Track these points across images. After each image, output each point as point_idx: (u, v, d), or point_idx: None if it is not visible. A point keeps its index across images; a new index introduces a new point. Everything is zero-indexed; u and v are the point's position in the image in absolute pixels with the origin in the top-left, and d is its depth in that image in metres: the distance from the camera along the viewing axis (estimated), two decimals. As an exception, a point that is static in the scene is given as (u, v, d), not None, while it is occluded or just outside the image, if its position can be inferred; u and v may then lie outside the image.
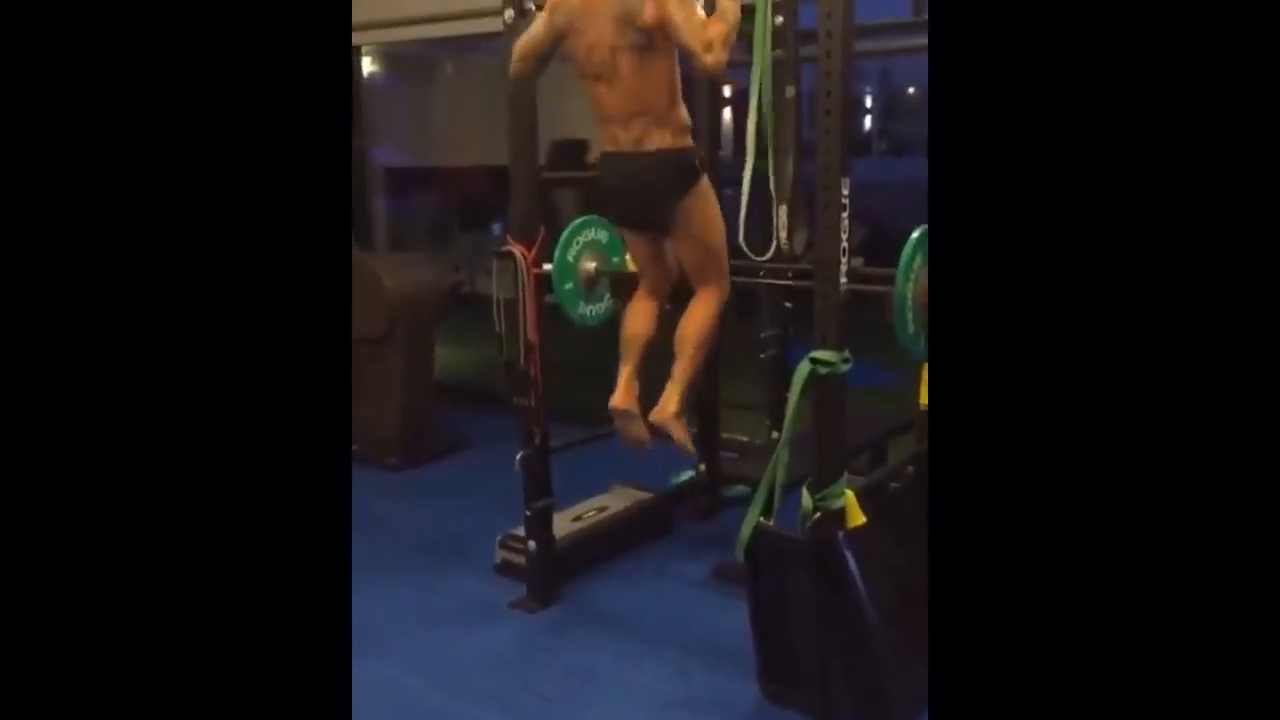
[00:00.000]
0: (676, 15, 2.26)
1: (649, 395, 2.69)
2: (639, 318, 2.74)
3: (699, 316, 2.62)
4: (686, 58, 2.30)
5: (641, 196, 2.50)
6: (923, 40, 3.10)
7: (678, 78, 2.43)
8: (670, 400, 2.62)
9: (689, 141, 2.47)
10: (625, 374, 2.69)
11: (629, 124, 2.43)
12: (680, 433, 2.66)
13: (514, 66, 2.60)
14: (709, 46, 2.21)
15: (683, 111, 2.46)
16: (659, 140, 2.42)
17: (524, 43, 2.55)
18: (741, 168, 2.70)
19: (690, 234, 2.54)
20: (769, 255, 2.82)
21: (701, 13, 2.30)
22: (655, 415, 2.63)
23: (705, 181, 2.51)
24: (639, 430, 2.69)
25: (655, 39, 2.33)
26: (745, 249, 2.75)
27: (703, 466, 3.63)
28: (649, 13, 2.28)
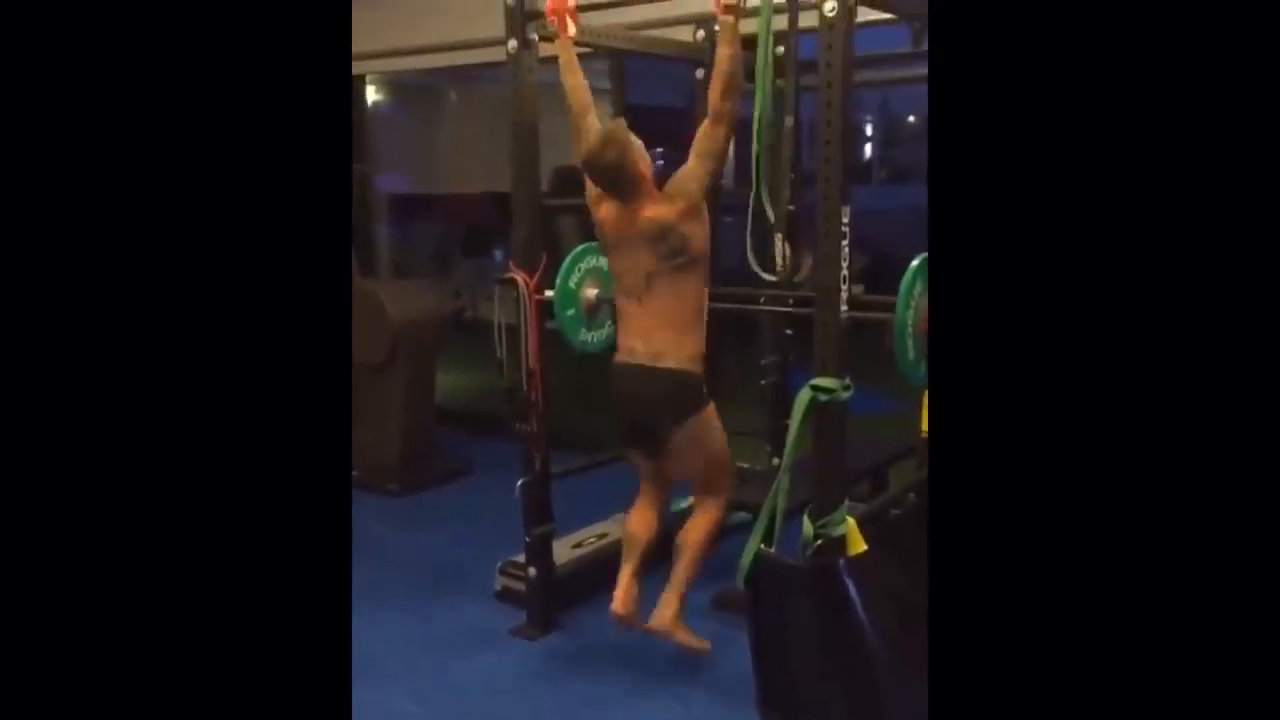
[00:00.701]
0: (698, 174, 2.43)
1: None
2: (639, 522, 2.77)
3: (702, 526, 2.68)
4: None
5: (644, 413, 2.55)
6: (922, 70, 3.13)
7: (705, 299, 2.56)
8: (668, 606, 2.65)
9: (699, 368, 2.54)
10: (625, 577, 2.72)
11: (650, 338, 2.52)
12: (685, 638, 2.69)
13: (575, 122, 2.65)
14: (717, 117, 2.38)
15: (700, 336, 2.54)
16: (674, 360, 2.50)
17: (584, 125, 2.61)
18: (742, 195, 2.72)
19: (692, 453, 2.59)
20: (771, 280, 2.83)
21: (702, 129, 2.43)
22: (655, 623, 2.66)
23: (710, 408, 2.57)
24: (638, 628, 2.71)
25: (698, 259, 2.47)
26: (756, 267, 2.77)
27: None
28: (693, 237, 2.44)
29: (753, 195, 2.65)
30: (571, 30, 2.65)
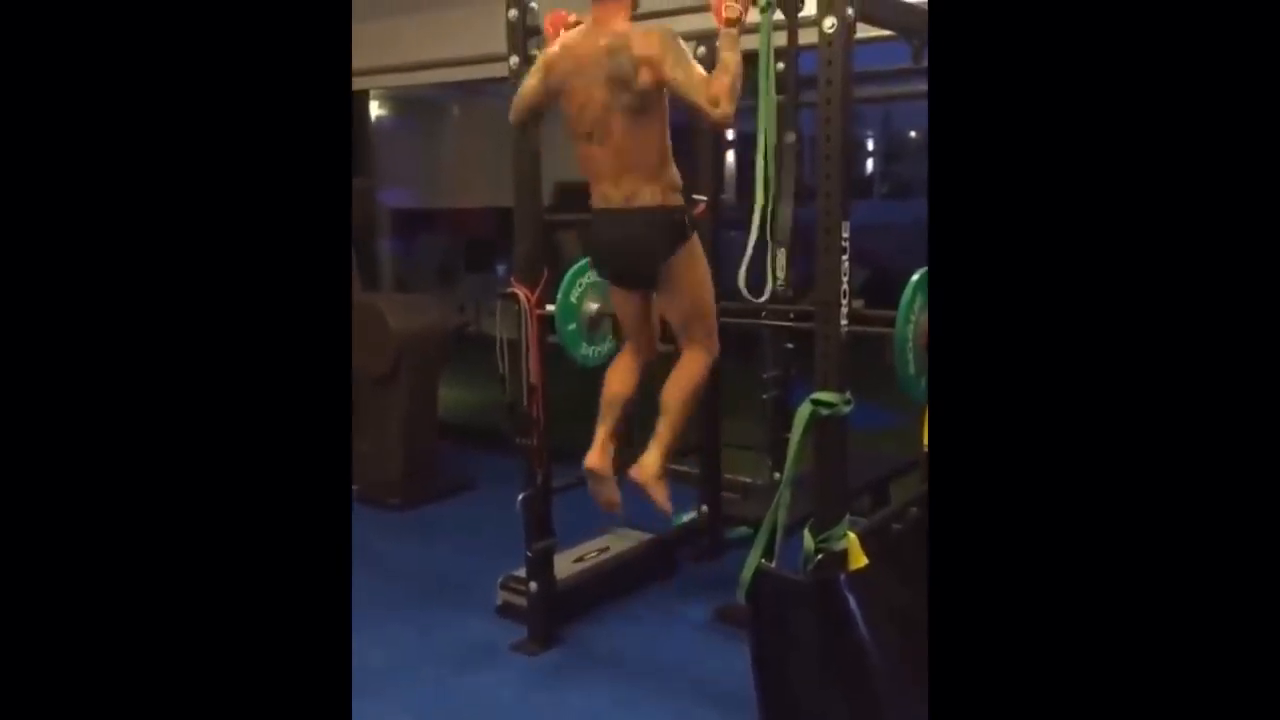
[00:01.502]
0: (678, 75, 2.31)
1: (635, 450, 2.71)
2: (620, 377, 2.73)
3: (685, 377, 2.62)
4: (690, 110, 2.34)
5: (631, 253, 2.52)
6: (922, 86, 3.14)
7: (668, 137, 2.48)
8: (651, 459, 2.62)
9: (679, 200, 2.50)
10: (601, 434, 2.69)
11: (619, 181, 2.47)
12: (660, 495, 2.65)
13: (512, 115, 2.64)
14: (715, 101, 2.27)
15: (673, 170, 2.49)
16: (649, 198, 2.45)
17: (519, 96, 2.60)
18: (743, 211, 2.73)
19: (678, 292, 2.55)
20: (766, 297, 2.82)
21: (701, 69, 2.34)
22: (634, 473, 2.63)
23: (695, 240, 2.53)
24: (610, 492, 2.71)
25: (648, 100, 2.37)
26: (744, 291, 2.76)
27: (704, 508, 3.62)
28: (644, 76, 2.34)
29: (756, 211, 2.65)
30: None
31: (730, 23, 2.31)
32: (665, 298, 2.58)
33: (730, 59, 2.30)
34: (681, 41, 2.37)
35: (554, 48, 2.53)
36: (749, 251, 2.69)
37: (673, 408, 2.61)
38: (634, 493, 2.85)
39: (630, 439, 2.86)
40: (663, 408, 2.63)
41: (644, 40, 2.35)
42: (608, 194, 2.50)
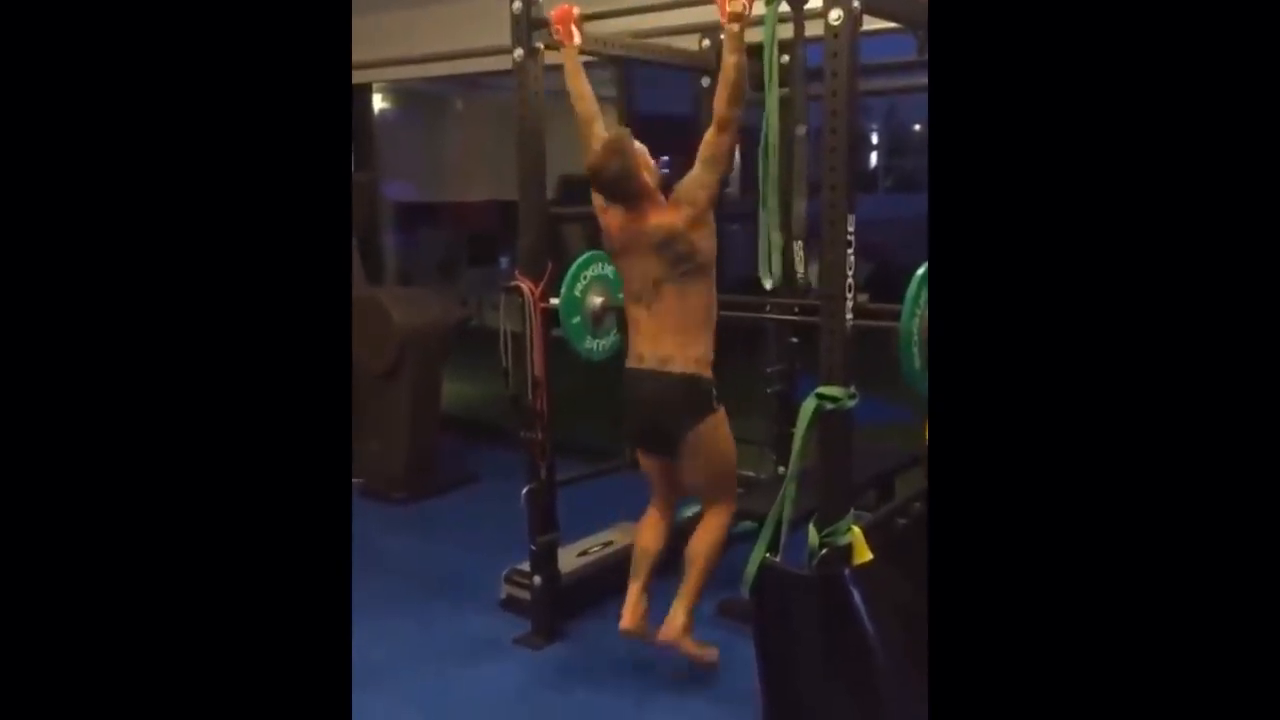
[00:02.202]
0: (705, 181, 2.43)
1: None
2: (650, 534, 2.78)
3: (709, 535, 2.69)
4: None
5: (658, 415, 2.58)
6: (926, 79, 3.13)
7: (714, 307, 2.56)
8: (677, 617, 2.66)
9: (709, 373, 2.56)
10: (634, 592, 2.73)
11: (659, 343, 2.54)
12: (692, 648, 2.70)
13: (583, 133, 2.65)
14: (722, 125, 2.37)
15: (709, 341, 2.56)
16: (682, 365, 2.52)
17: (592, 133, 2.61)
18: (748, 204, 2.73)
19: (700, 459, 2.60)
20: (771, 287, 2.83)
21: (707, 135, 2.43)
22: (663, 635, 2.67)
23: (720, 414, 2.58)
24: (647, 642, 2.73)
25: (705, 264, 2.48)
26: (764, 277, 2.78)
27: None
28: (701, 243, 2.44)
29: (767, 202, 2.65)
30: (576, 39, 2.65)
31: (735, 17, 2.31)
32: (688, 464, 2.62)
33: (727, 63, 2.33)
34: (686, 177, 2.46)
35: (606, 219, 2.58)
36: (763, 243, 2.71)
37: (699, 565, 2.67)
38: (636, 486, 2.85)
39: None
40: (689, 563, 2.69)
41: (679, 213, 2.44)
42: (642, 354, 2.58)
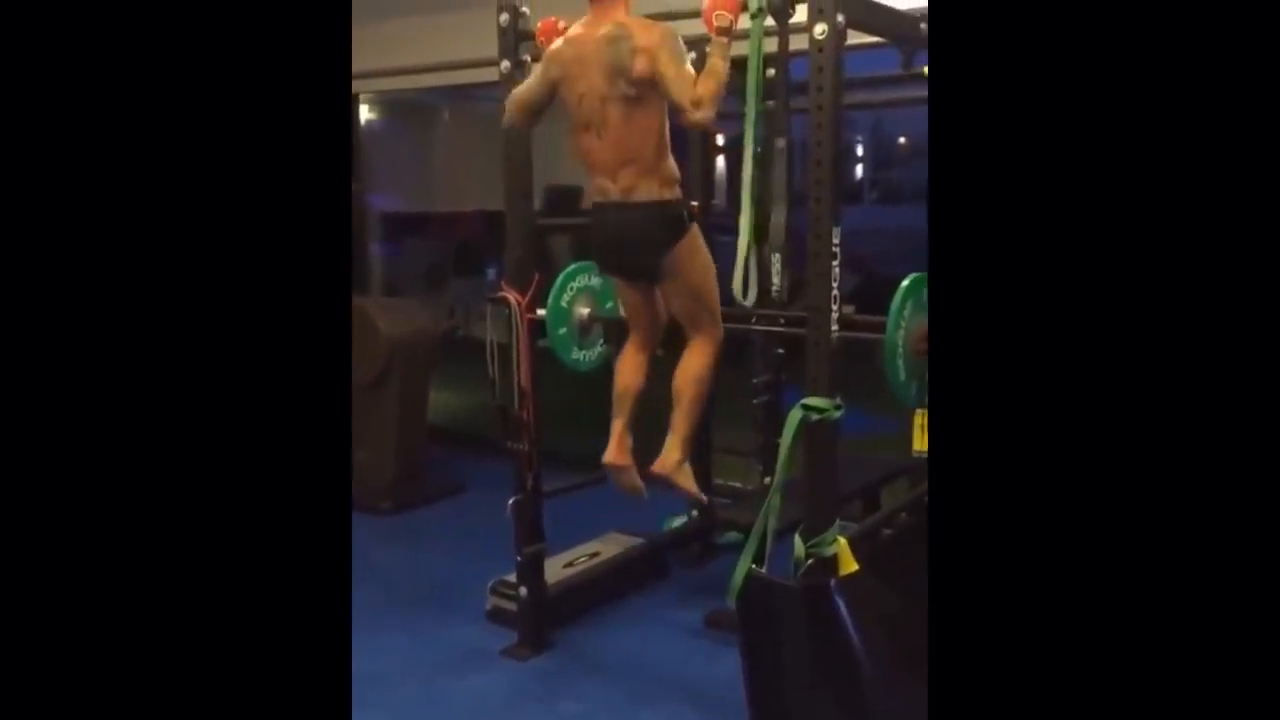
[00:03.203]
0: (668, 71, 2.32)
1: (647, 447, 2.71)
2: (630, 370, 2.75)
3: (694, 365, 2.64)
4: (673, 109, 2.36)
5: (631, 247, 2.54)
6: (912, 92, 3.16)
7: (666, 130, 2.48)
8: (672, 450, 2.65)
9: (678, 193, 2.51)
10: (618, 428, 2.71)
11: (618, 174, 2.47)
12: (686, 481, 2.69)
13: (509, 116, 2.65)
14: (698, 103, 2.27)
15: (671, 163, 2.49)
16: (647, 191, 2.46)
17: (519, 93, 2.60)
18: (734, 216, 2.73)
19: (681, 283, 2.56)
20: (753, 301, 2.83)
21: (692, 70, 2.35)
22: (658, 467, 2.65)
23: (695, 230, 2.54)
24: (633, 480, 2.73)
25: (645, 91, 2.37)
26: (737, 296, 2.77)
27: (695, 512, 3.62)
28: (640, 65, 2.34)
29: (744, 216, 2.65)
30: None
31: (721, 31, 2.32)
32: (669, 289, 2.60)
33: (718, 65, 2.30)
34: (681, 43, 2.38)
35: (557, 41, 2.52)
36: (740, 256, 2.70)
37: (685, 395, 2.63)
38: (623, 498, 2.85)
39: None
40: (675, 397, 2.65)
41: (645, 30, 2.36)
42: (605, 188, 2.51)
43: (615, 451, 2.70)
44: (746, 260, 2.65)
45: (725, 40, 2.32)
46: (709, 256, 2.61)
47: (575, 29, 2.50)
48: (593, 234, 2.61)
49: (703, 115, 2.28)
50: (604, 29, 2.41)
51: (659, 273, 2.55)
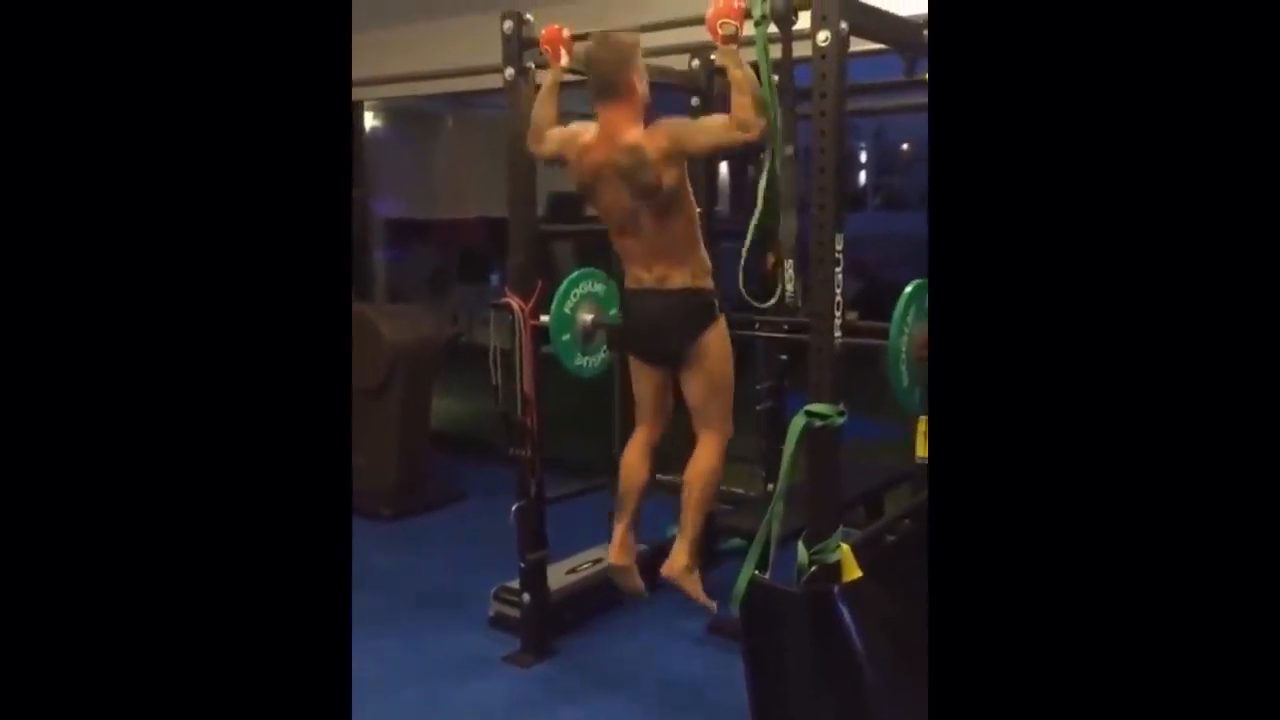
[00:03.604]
0: (702, 141, 2.40)
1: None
2: (636, 464, 2.75)
3: (704, 463, 2.64)
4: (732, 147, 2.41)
5: (662, 331, 2.58)
6: (915, 99, 3.16)
7: (698, 225, 2.55)
8: (680, 555, 2.63)
9: (709, 283, 2.57)
10: (621, 529, 2.71)
11: (652, 266, 2.55)
12: (694, 588, 2.67)
13: (531, 144, 2.65)
14: (745, 126, 2.30)
15: (704, 254, 2.57)
16: (681, 280, 2.52)
17: (544, 149, 2.62)
18: (736, 222, 2.74)
19: (702, 370, 2.59)
20: (772, 304, 2.84)
21: (716, 118, 2.42)
22: (666, 571, 2.65)
23: (722, 322, 2.59)
24: (635, 582, 2.75)
25: (674, 196, 2.44)
26: (747, 294, 2.78)
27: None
28: (669, 177, 2.41)
29: (753, 223, 2.66)
30: (564, 61, 2.66)
31: (727, 40, 2.32)
32: (689, 375, 2.62)
33: (738, 76, 2.31)
34: (684, 120, 2.45)
35: (574, 154, 2.54)
36: (743, 258, 2.71)
37: (695, 495, 2.62)
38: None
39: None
40: (685, 496, 2.64)
41: (655, 141, 2.40)
42: (640, 276, 2.58)
43: (618, 552, 2.70)
44: (751, 265, 2.67)
45: (733, 49, 2.33)
46: (730, 349, 2.64)
47: (592, 136, 2.51)
48: (625, 317, 2.67)
49: (755, 132, 2.31)
50: (618, 154, 2.44)
51: (684, 358, 2.58)
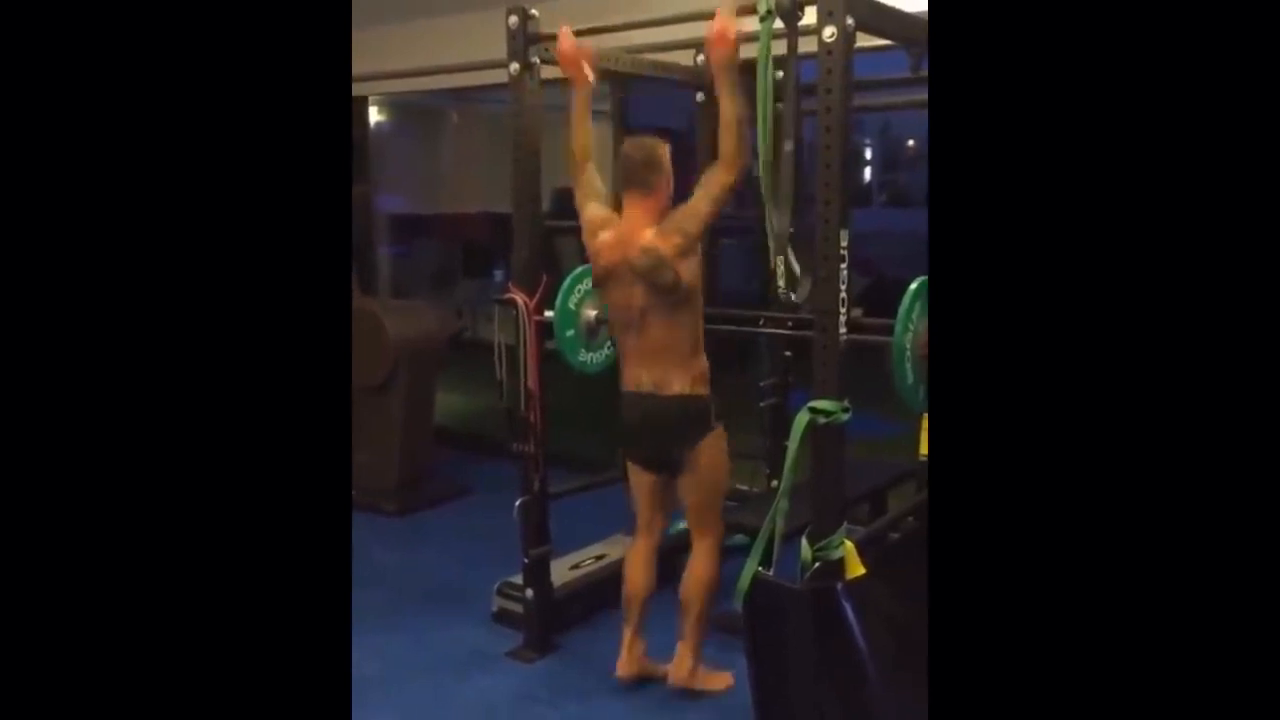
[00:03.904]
0: (703, 210, 2.45)
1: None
2: (640, 570, 2.76)
3: (701, 572, 2.68)
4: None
5: (659, 436, 2.59)
6: (921, 95, 3.15)
7: (701, 327, 2.58)
8: (684, 660, 2.68)
9: (706, 390, 2.58)
10: (628, 637, 2.74)
11: (652, 367, 2.55)
12: (707, 682, 2.72)
13: (570, 172, 2.68)
14: (727, 164, 2.40)
15: (703, 360, 2.58)
16: (679, 385, 2.53)
17: (581, 168, 2.64)
18: (740, 219, 2.74)
19: (699, 478, 2.61)
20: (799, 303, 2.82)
21: (707, 175, 2.46)
22: (673, 679, 2.69)
23: (720, 430, 2.60)
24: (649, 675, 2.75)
25: (688, 294, 2.49)
26: (785, 290, 2.76)
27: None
28: (684, 275, 2.45)
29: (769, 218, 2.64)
30: (590, 78, 2.63)
31: (723, 63, 2.35)
32: (686, 482, 2.63)
33: (728, 110, 2.37)
34: (684, 204, 2.48)
35: (591, 246, 2.58)
36: (774, 255, 2.69)
37: (695, 605, 2.66)
38: (621, 498, 2.85)
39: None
40: (685, 607, 2.67)
41: (669, 241, 2.45)
42: (639, 378, 2.58)
43: (625, 664, 2.72)
44: (786, 260, 2.66)
45: (730, 78, 2.36)
46: (727, 457, 2.66)
47: (612, 235, 2.55)
48: (623, 420, 2.65)
49: (734, 173, 2.40)
50: (637, 251, 2.48)
51: (681, 465, 2.59)
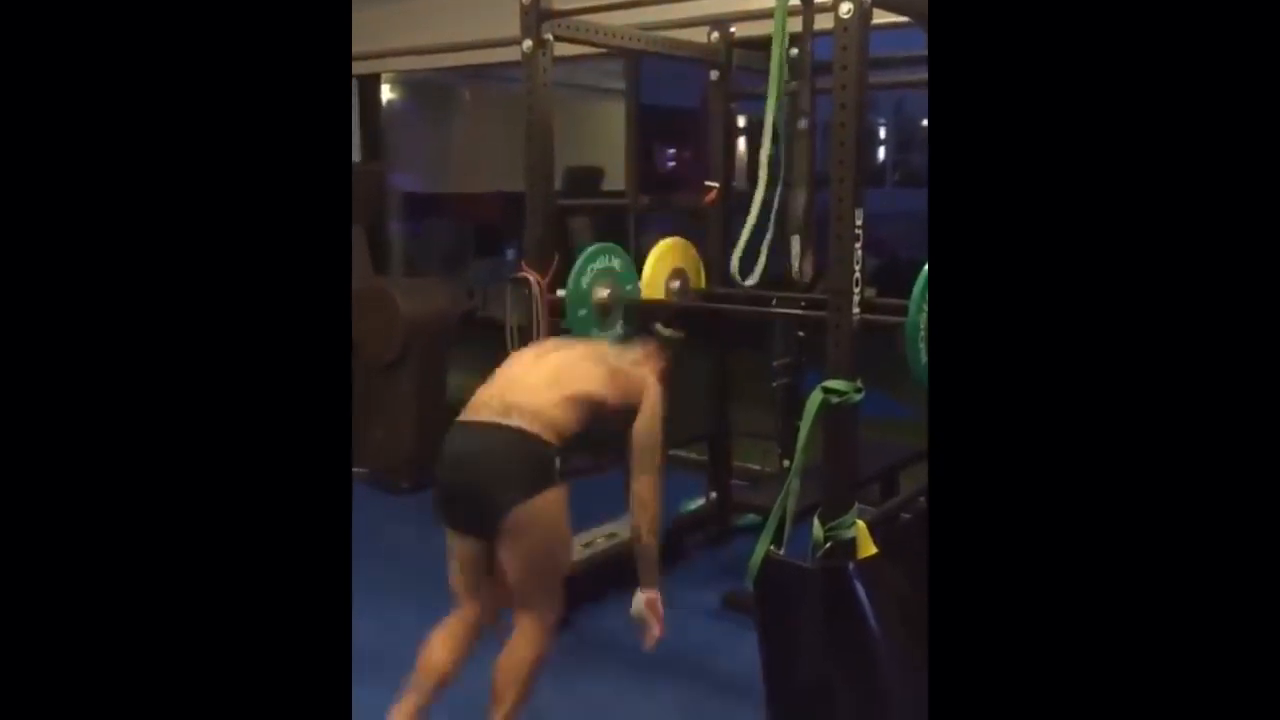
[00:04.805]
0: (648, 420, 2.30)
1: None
2: (444, 645, 2.20)
3: (519, 658, 2.11)
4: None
5: (476, 480, 2.04)
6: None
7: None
8: None
9: (557, 441, 2.06)
10: (404, 711, 2.14)
11: (511, 388, 2.14)
12: None
13: None
14: (650, 529, 2.26)
15: (578, 416, 2.13)
16: (526, 422, 2.02)
17: None
18: (751, 198, 2.72)
19: (523, 547, 2.01)
20: (755, 282, 2.83)
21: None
22: None
23: (561, 494, 2.05)
24: None
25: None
26: (735, 276, 2.75)
27: (713, 494, 3.62)
28: (649, 401, 2.32)
29: (763, 198, 2.64)
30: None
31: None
32: (507, 551, 2.02)
33: (645, 482, 2.29)
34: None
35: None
36: (743, 237, 2.67)
37: (506, 696, 2.10)
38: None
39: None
40: (495, 692, 2.12)
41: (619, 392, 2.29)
42: (486, 403, 2.11)
43: None
44: (750, 241, 2.61)
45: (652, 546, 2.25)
46: (567, 529, 2.14)
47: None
48: (438, 457, 2.11)
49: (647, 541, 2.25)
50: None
51: (499, 527, 1.98)
